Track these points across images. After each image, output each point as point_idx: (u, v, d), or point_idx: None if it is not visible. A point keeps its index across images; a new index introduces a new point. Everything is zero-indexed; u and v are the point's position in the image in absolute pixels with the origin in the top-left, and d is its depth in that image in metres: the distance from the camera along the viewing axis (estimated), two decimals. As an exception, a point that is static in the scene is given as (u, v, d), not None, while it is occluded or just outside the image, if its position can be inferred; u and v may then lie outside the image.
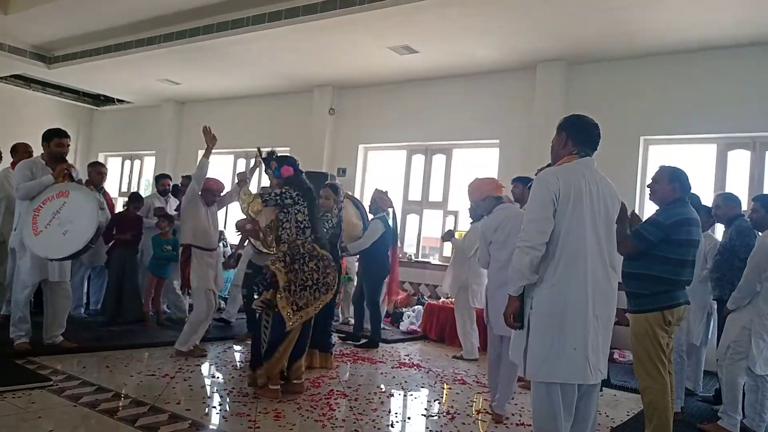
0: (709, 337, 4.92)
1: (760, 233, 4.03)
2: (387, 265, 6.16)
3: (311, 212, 4.16)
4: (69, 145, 4.87)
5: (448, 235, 6.33)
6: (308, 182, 4.31)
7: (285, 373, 4.17)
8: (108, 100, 12.50)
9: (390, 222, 6.28)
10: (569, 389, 2.62)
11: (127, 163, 12.76)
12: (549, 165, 2.98)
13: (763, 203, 4.04)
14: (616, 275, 2.75)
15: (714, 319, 4.82)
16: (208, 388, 4.24)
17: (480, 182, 4.25)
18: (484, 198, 4.12)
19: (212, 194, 5.24)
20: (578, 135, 2.78)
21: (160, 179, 7.25)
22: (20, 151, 5.55)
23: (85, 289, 6.74)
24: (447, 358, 6.03)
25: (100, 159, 12.55)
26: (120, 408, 3.55)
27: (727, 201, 4.46)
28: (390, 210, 6.35)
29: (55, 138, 4.73)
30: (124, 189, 12.33)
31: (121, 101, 12.30)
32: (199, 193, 5.13)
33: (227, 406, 3.87)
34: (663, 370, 3.30)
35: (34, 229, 4.47)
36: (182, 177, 7.21)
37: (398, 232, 6.64)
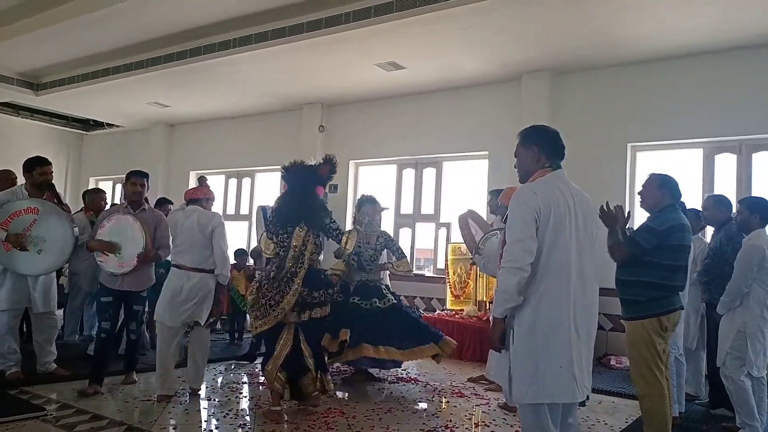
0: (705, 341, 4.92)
1: (745, 236, 4.02)
2: None
3: None
4: (52, 172, 4.76)
5: None
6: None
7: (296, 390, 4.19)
8: (97, 125, 12.49)
9: None
10: (555, 408, 2.57)
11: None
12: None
13: (747, 206, 4.04)
14: (597, 286, 2.68)
15: (705, 323, 4.81)
16: (204, 411, 4.20)
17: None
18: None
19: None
20: (548, 147, 2.70)
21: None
22: (2, 179, 5.27)
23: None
24: (444, 371, 6.01)
25: (91, 183, 12.50)
26: (115, 435, 3.51)
27: (717, 204, 4.40)
28: None
29: (37, 167, 4.64)
30: (116, 213, 12.24)
31: (110, 125, 12.28)
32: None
33: (224, 429, 3.84)
34: (660, 377, 3.31)
35: (6, 246, 4.40)
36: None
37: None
